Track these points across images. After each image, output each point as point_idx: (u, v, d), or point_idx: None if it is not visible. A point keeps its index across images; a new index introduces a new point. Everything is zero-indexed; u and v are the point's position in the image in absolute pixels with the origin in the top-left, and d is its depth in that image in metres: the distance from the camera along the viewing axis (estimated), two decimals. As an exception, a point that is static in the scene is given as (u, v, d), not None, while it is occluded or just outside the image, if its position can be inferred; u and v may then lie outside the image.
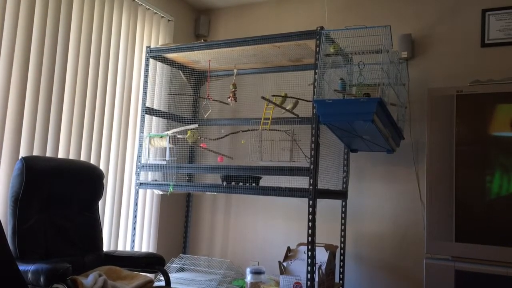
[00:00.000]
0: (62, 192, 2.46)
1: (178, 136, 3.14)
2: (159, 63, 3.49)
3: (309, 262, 2.53)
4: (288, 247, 2.89)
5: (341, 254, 3.15)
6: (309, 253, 2.54)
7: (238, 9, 3.85)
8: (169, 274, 2.67)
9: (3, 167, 2.45)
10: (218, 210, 3.74)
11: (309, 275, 2.53)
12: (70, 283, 2.02)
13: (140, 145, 3.20)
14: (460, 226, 2.47)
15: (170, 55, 3.27)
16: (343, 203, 3.19)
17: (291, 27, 3.61)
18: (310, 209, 2.56)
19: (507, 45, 2.93)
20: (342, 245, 3.16)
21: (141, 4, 3.35)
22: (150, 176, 3.37)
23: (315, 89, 2.60)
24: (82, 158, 2.89)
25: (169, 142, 3.09)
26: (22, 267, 2.00)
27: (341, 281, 3.13)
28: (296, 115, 3.01)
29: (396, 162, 3.16)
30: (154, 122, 3.46)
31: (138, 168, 3.17)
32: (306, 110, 3.15)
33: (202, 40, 3.20)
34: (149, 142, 3.18)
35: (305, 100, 3.07)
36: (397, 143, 2.95)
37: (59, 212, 2.44)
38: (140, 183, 3.15)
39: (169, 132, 3.14)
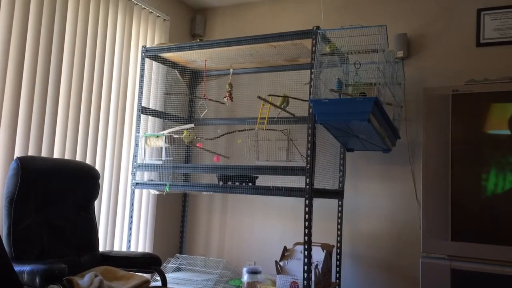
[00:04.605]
0: (58, 192, 2.45)
1: (174, 136, 3.13)
2: (155, 63, 3.48)
3: (306, 262, 2.54)
4: (285, 247, 2.89)
5: (337, 254, 3.15)
6: (306, 252, 2.54)
7: (234, 8, 3.85)
8: (166, 274, 2.67)
9: (-2, 168, 2.44)
10: (215, 210, 3.74)
11: (305, 275, 2.53)
12: (66, 284, 2.01)
13: (136, 145, 3.19)
14: (456, 225, 2.48)
15: (166, 55, 3.27)
16: (340, 202, 3.19)
17: (287, 27, 3.61)
18: (307, 208, 2.56)
19: (502, 44, 2.94)
20: (338, 244, 3.16)
21: (137, 4, 3.34)
22: (146, 176, 3.37)
23: (311, 89, 2.60)
24: (78, 158, 2.88)
25: (165, 141, 3.09)
26: (17, 267, 1.99)
27: (337, 280, 3.14)
28: (292, 115, 3.01)
29: (392, 161, 3.16)
30: (150, 122, 3.45)
31: (134, 168, 3.16)
32: (303, 110, 3.15)
33: (198, 40, 3.19)
34: (145, 142, 3.17)
35: (302, 100, 3.06)
36: (393, 143, 2.96)
37: (55, 212, 2.43)
38: (136, 183, 3.14)
39: (165, 132, 3.13)
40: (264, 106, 2.95)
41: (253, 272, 2.98)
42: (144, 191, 3.42)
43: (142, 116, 3.30)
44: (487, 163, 2.44)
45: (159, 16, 3.57)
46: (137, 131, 3.20)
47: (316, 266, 2.72)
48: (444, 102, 2.58)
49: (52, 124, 2.71)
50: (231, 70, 3.39)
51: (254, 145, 3.05)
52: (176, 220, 3.77)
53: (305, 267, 2.54)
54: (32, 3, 2.59)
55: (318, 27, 2.67)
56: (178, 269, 3.50)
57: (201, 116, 3.69)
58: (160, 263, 2.59)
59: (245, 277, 2.98)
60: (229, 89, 3.20)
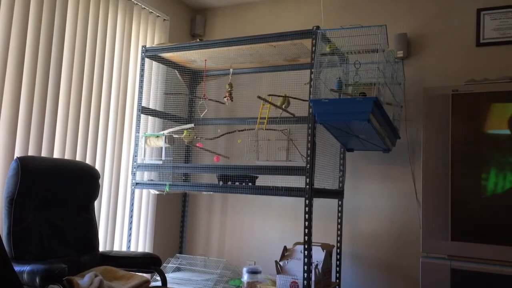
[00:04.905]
0: (58, 192, 2.44)
1: (174, 136, 3.13)
2: (155, 63, 3.48)
3: (306, 262, 2.54)
4: (285, 247, 2.89)
5: (337, 253, 3.15)
6: (306, 252, 2.54)
7: (234, 8, 3.85)
8: (166, 274, 2.67)
9: (-2, 168, 2.44)
10: (215, 210, 3.74)
11: (305, 275, 2.53)
12: (66, 284, 2.01)
13: (136, 145, 3.19)
14: (456, 225, 2.48)
15: (166, 55, 3.27)
16: (340, 202, 3.19)
17: (287, 27, 3.61)
18: (307, 208, 2.56)
19: (502, 44, 2.94)
20: (338, 244, 3.16)
21: (137, 4, 3.34)
22: (146, 176, 3.37)
23: (311, 89, 2.60)
24: (78, 158, 2.88)
25: (165, 141, 3.09)
26: (17, 267, 1.99)
27: (337, 280, 3.14)
28: (292, 115, 3.01)
29: (392, 161, 3.16)
30: (150, 122, 3.45)
31: (134, 168, 3.16)
32: (302, 110, 3.15)
33: (198, 40, 3.19)
34: (145, 141, 3.17)
35: (302, 100, 3.06)
36: (393, 143, 2.96)
37: (55, 213, 2.43)
38: (136, 183, 3.14)
39: (165, 132, 3.13)
40: (264, 106, 2.95)
41: (253, 272, 2.98)
42: (144, 191, 3.42)
43: (142, 116, 3.30)
44: (487, 163, 2.44)
45: (159, 16, 3.57)
46: (137, 131, 3.20)
47: (316, 266, 2.72)
48: (444, 102, 2.58)
49: (52, 124, 2.71)
50: (231, 70, 3.39)
51: (254, 145, 3.05)
52: (176, 220, 3.77)
53: (305, 267, 2.54)
54: (32, 3, 2.59)
55: (318, 27, 2.67)
56: (178, 269, 3.50)
57: (201, 116, 3.69)
58: (160, 263, 2.59)
59: (245, 277, 2.98)
60: (229, 89, 3.20)
